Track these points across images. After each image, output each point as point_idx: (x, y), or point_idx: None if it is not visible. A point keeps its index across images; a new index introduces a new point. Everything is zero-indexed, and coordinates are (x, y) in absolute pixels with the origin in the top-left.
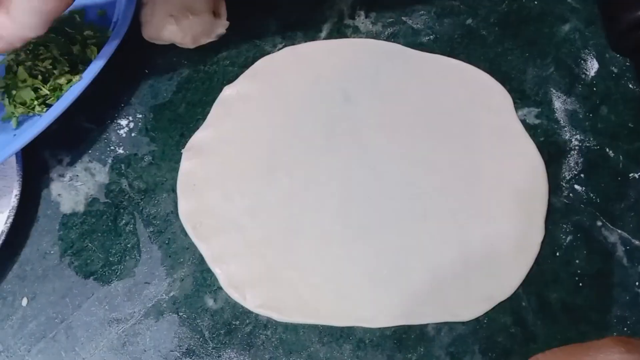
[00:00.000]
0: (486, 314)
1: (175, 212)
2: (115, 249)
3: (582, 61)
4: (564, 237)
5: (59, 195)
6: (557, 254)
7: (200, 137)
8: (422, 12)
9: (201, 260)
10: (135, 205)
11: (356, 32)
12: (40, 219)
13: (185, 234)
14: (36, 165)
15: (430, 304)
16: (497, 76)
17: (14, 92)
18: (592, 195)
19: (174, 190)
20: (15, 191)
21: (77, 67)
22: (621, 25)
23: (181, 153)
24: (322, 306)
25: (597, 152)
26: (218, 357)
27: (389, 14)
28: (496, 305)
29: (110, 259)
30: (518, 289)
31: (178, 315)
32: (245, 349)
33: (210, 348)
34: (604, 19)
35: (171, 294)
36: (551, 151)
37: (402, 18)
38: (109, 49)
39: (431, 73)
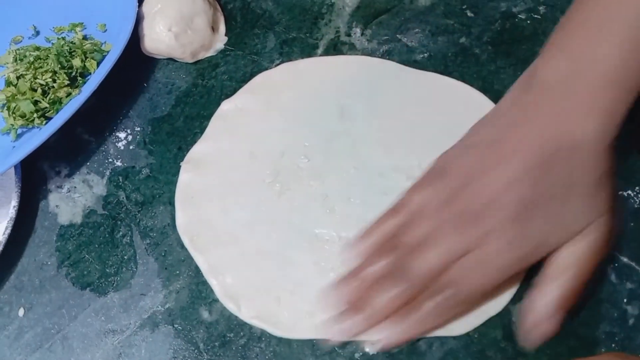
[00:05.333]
0: (477, 329)
1: (171, 224)
2: (112, 261)
3: None
4: None
5: (56, 206)
6: None
7: (199, 150)
8: (417, 30)
9: (197, 272)
10: (133, 217)
11: (352, 49)
12: (38, 230)
13: (182, 247)
14: (35, 176)
15: None
16: (490, 94)
17: (13, 104)
18: None
19: (171, 203)
20: (14, 202)
21: (76, 80)
22: None
23: (179, 166)
24: (318, 320)
25: None
26: None
27: (385, 31)
28: (487, 320)
29: (107, 270)
30: (508, 304)
31: (173, 327)
32: None
33: None
34: None
35: (167, 306)
36: None
37: (397, 36)
38: (108, 63)
39: (425, 91)
